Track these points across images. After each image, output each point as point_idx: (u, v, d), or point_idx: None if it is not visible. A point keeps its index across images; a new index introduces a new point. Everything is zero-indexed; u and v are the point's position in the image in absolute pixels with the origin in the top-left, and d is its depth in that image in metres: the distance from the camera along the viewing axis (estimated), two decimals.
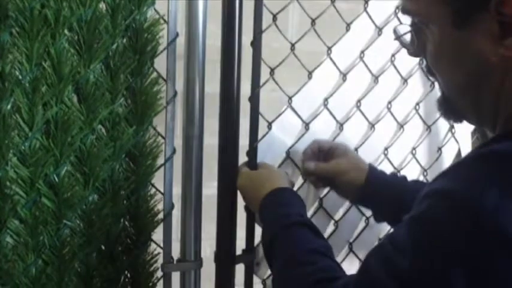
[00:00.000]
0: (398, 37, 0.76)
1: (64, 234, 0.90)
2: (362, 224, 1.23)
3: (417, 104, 1.30)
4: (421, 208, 0.62)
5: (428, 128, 1.32)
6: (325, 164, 1.07)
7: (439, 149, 1.35)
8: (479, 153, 0.63)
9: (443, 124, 1.34)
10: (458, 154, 1.38)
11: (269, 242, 0.89)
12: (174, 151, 0.98)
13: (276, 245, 0.87)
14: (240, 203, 1.04)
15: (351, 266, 1.22)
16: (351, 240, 1.22)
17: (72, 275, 0.91)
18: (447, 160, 1.37)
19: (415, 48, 0.73)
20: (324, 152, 1.08)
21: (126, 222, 0.97)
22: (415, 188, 1.04)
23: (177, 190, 1.00)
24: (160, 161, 0.99)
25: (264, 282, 1.10)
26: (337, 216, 1.20)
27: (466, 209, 0.58)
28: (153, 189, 0.99)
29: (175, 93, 0.97)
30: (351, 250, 1.22)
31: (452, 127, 1.36)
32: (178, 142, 0.99)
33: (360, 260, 1.23)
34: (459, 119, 0.77)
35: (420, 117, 1.31)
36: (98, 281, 0.93)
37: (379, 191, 1.05)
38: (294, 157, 1.12)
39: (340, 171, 1.05)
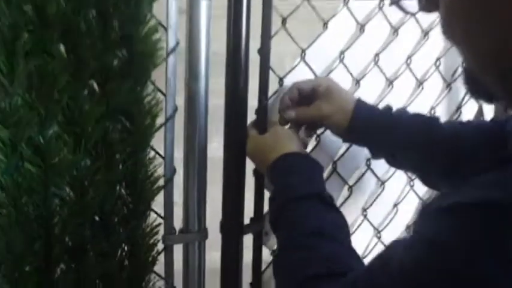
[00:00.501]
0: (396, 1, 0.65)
1: (52, 204, 0.80)
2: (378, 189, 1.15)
3: (437, 59, 1.20)
4: (412, 254, 0.55)
5: (449, 85, 1.22)
6: (306, 110, 0.95)
7: (458, 108, 1.26)
8: (481, 199, 0.50)
9: None
10: (478, 112, 1.29)
11: (274, 217, 0.81)
12: (175, 109, 0.88)
13: (280, 220, 0.80)
14: (248, 168, 0.95)
15: (364, 235, 1.15)
16: (365, 206, 1.14)
17: (62, 250, 0.81)
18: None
19: (424, 4, 0.59)
20: (305, 94, 0.96)
21: (123, 190, 0.86)
22: (409, 123, 0.93)
23: (179, 153, 0.90)
24: (161, 120, 0.88)
25: (273, 253, 1.02)
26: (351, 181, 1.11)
27: (460, 276, 0.50)
28: (153, 153, 0.88)
29: (178, 43, 0.85)
30: (365, 217, 1.14)
31: None
32: (180, 102, 0.89)
33: (374, 228, 1.15)
34: (489, 99, 0.63)
35: (440, 74, 1.21)
36: (91, 255, 0.83)
37: (364, 132, 0.94)
38: None
39: (323, 115, 0.94)
